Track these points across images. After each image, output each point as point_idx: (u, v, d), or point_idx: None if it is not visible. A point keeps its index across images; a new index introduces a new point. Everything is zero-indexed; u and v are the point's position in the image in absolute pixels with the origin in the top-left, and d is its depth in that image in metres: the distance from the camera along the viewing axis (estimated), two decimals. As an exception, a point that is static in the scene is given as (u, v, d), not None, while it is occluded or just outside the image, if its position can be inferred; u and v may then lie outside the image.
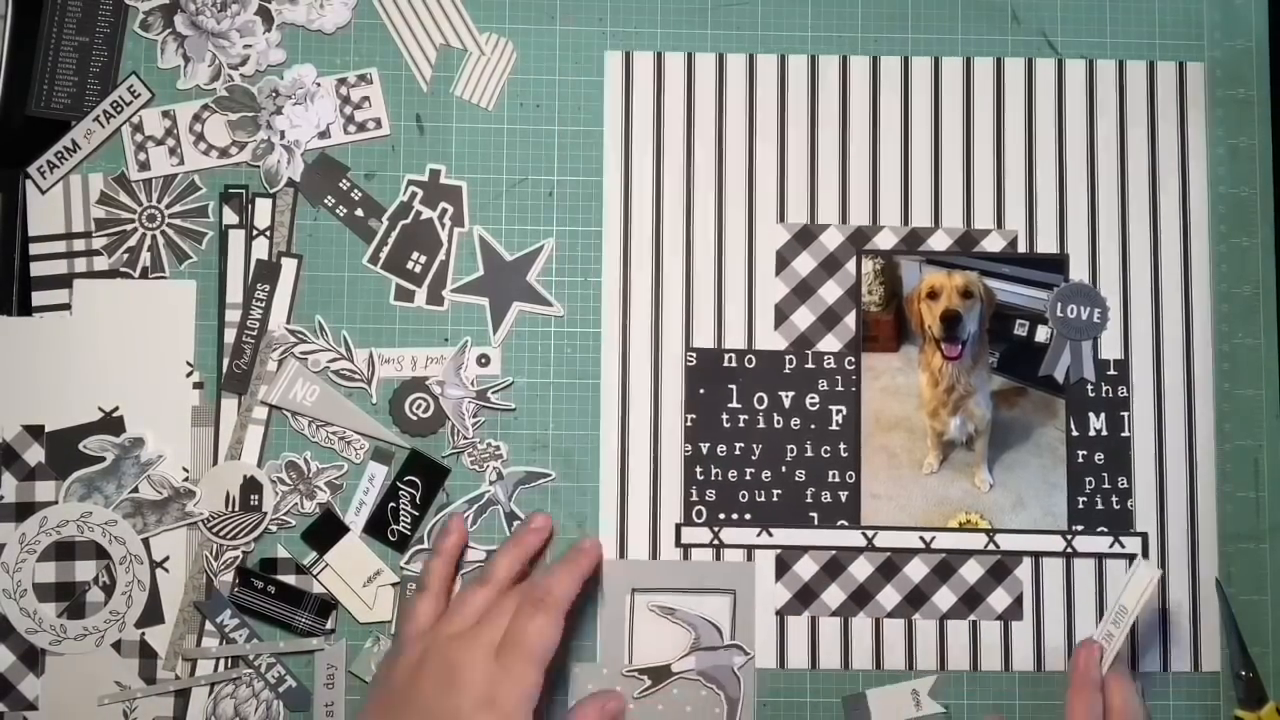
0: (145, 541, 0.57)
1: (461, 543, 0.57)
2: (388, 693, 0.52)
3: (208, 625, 0.57)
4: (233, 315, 0.58)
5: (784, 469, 0.58)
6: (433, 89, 0.60)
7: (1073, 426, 0.59)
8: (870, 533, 0.58)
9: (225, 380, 0.58)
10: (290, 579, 0.57)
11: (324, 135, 0.59)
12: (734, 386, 0.59)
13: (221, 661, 0.57)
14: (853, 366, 0.59)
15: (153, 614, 0.57)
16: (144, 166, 0.59)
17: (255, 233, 0.59)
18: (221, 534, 0.57)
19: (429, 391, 0.58)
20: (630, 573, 0.57)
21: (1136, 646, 0.58)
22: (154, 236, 0.58)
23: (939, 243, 0.59)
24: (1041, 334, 0.59)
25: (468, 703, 0.50)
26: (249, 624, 0.57)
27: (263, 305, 0.58)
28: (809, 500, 0.58)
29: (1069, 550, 0.58)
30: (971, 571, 0.58)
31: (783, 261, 0.59)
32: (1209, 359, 0.59)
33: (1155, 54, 0.60)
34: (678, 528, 0.58)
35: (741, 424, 0.59)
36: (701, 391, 0.59)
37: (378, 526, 0.58)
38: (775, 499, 0.58)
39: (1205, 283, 0.59)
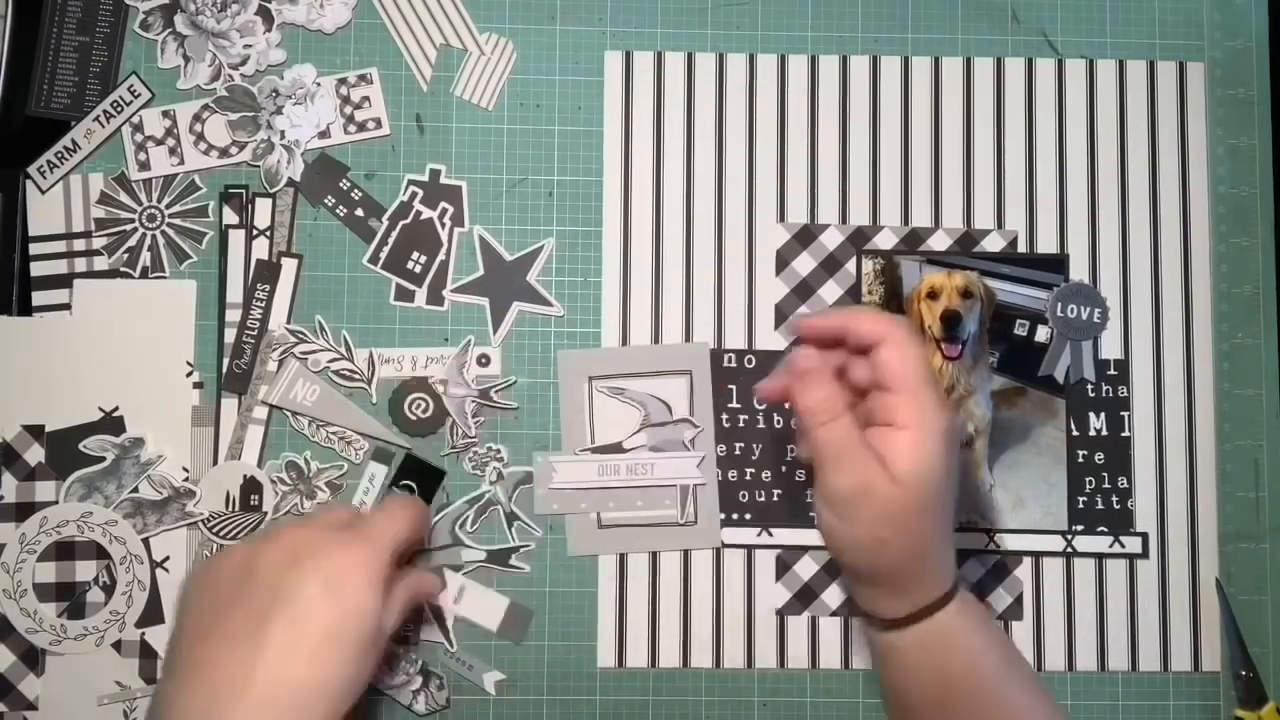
0: (145, 541, 0.57)
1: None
2: (190, 604, 0.48)
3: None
4: (233, 315, 0.58)
5: (784, 469, 0.58)
6: (433, 89, 0.60)
7: (1073, 426, 0.59)
8: (870, 533, 0.58)
9: (225, 380, 0.58)
10: (290, 579, 0.57)
11: (324, 135, 0.59)
12: (734, 386, 0.59)
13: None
14: (853, 366, 0.59)
15: (153, 614, 0.57)
16: (144, 166, 0.59)
17: (255, 233, 0.59)
18: (222, 534, 0.57)
19: (429, 391, 0.58)
20: (587, 361, 0.58)
21: (1137, 646, 0.58)
22: (154, 236, 0.58)
23: (939, 243, 0.59)
24: (1041, 334, 0.59)
25: (275, 568, 0.47)
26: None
27: (263, 305, 0.58)
28: (809, 500, 0.58)
29: (1069, 550, 0.58)
30: (971, 571, 0.58)
31: (783, 261, 0.59)
32: (1209, 359, 0.59)
33: (1155, 54, 0.60)
34: (678, 528, 0.58)
35: (741, 424, 0.59)
36: (701, 391, 0.59)
37: (378, 526, 0.58)
38: (775, 499, 0.58)
39: (1205, 283, 0.59)
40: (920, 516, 0.47)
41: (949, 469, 0.48)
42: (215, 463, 0.57)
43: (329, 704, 0.45)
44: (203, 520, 0.57)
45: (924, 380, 0.47)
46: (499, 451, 0.58)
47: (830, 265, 0.59)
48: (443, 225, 0.59)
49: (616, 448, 0.58)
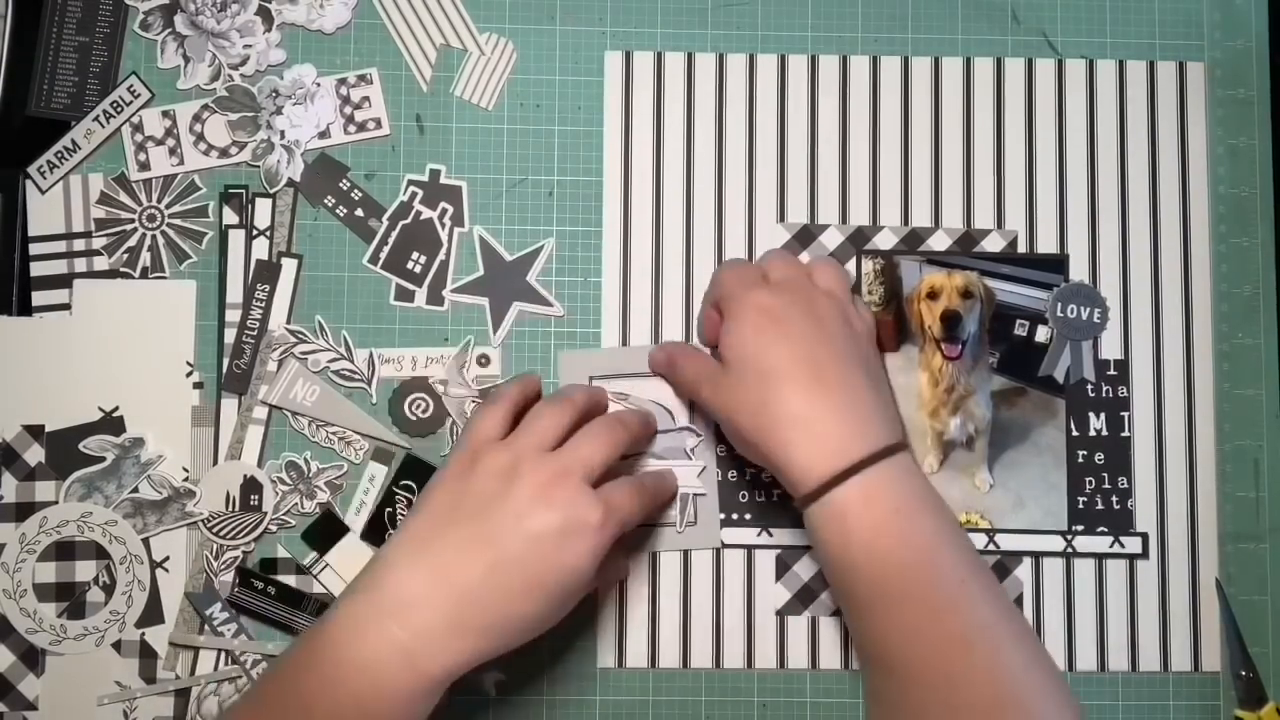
0: (145, 541, 0.57)
1: (536, 391, 0.56)
2: (441, 490, 0.50)
3: (218, 626, 0.57)
4: (233, 315, 0.58)
5: (784, 469, 0.58)
6: (433, 89, 0.60)
7: (1073, 426, 0.59)
8: (870, 533, 0.58)
9: (225, 380, 0.58)
10: (290, 579, 0.57)
11: (324, 135, 0.59)
12: (734, 386, 0.59)
13: (221, 661, 0.57)
14: (853, 366, 0.59)
15: (153, 614, 0.57)
16: (144, 166, 0.59)
17: (255, 233, 0.59)
18: (221, 534, 0.57)
19: (429, 391, 0.58)
20: (588, 361, 0.58)
21: (1137, 646, 0.58)
22: (154, 236, 0.58)
23: (939, 243, 0.59)
24: (1041, 334, 0.59)
25: (525, 495, 0.48)
26: (240, 621, 0.57)
27: (263, 305, 0.58)
28: (809, 500, 0.58)
29: (1069, 550, 0.58)
30: (971, 571, 0.58)
31: (783, 261, 0.59)
32: (1209, 359, 0.59)
33: (1155, 54, 0.60)
34: (678, 528, 0.58)
35: (741, 424, 0.59)
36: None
37: (376, 531, 0.58)
38: (775, 499, 0.58)
39: (1205, 283, 0.59)
40: (744, 389, 0.51)
41: (760, 342, 0.51)
42: (215, 463, 0.57)
43: (515, 638, 0.48)
44: (203, 520, 0.57)
45: (738, 287, 0.53)
46: (499, 451, 0.58)
47: (830, 265, 0.59)
48: (443, 225, 0.59)
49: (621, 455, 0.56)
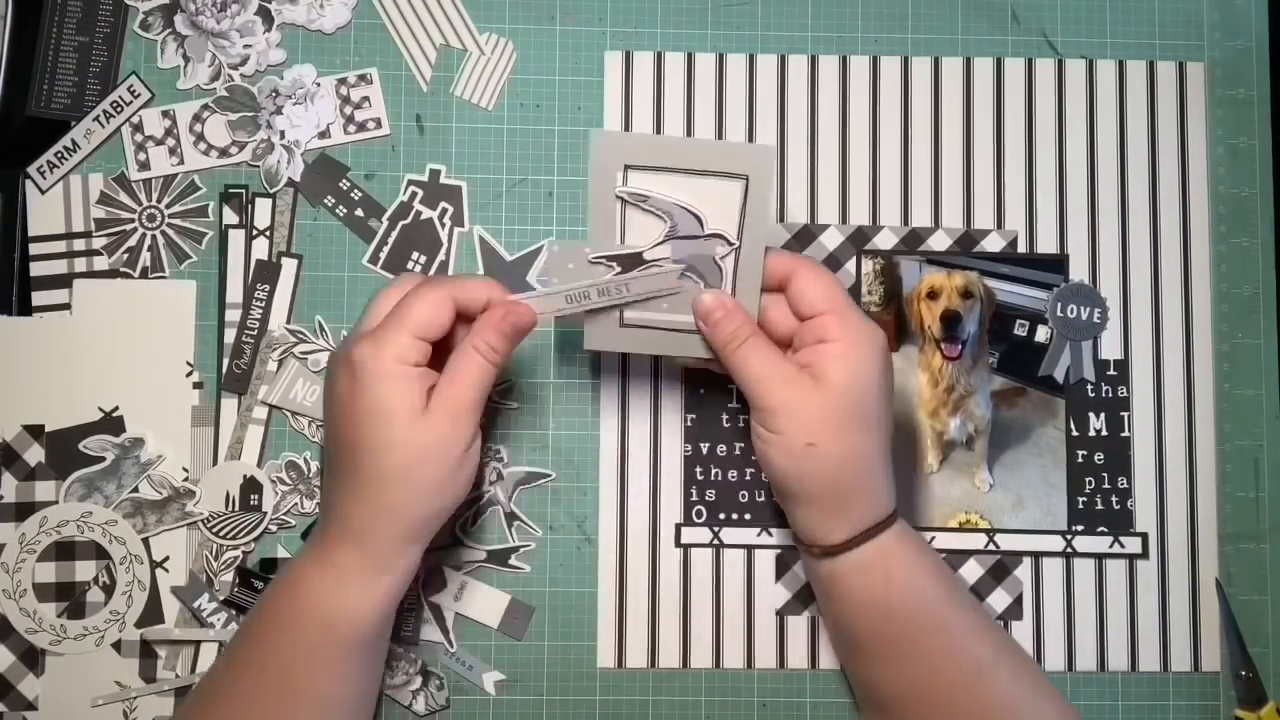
0: (145, 541, 0.57)
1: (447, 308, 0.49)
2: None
3: (207, 616, 0.57)
4: (233, 315, 0.58)
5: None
6: (433, 89, 0.60)
7: (1073, 426, 0.59)
8: (870, 533, 0.58)
9: (225, 380, 0.58)
10: (290, 579, 0.57)
11: (324, 135, 0.59)
12: (734, 386, 0.58)
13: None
14: (853, 366, 0.59)
15: (153, 614, 0.57)
16: (144, 166, 0.59)
17: (255, 233, 0.59)
18: (221, 534, 0.57)
19: (429, 391, 0.58)
20: (627, 146, 0.48)
21: (1136, 646, 0.58)
22: (154, 236, 0.58)
23: (939, 243, 0.59)
24: (1041, 334, 0.59)
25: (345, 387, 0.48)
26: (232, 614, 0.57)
27: (263, 305, 0.58)
28: (809, 500, 0.58)
29: (1069, 550, 0.58)
30: (971, 571, 0.58)
31: (783, 261, 0.59)
32: (1209, 359, 0.59)
33: (1155, 54, 0.60)
34: (678, 528, 0.58)
35: (741, 424, 0.59)
36: (701, 391, 0.59)
37: (378, 526, 0.57)
38: (775, 499, 0.58)
39: (1205, 283, 0.59)
40: (852, 423, 0.48)
41: (881, 382, 0.49)
42: (215, 463, 0.57)
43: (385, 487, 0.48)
44: (202, 520, 0.57)
45: (847, 302, 0.49)
46: (499, 452, 0.58)
47: (830, 265, 0.59)
48: (443, 225, 0.59)
49: (636, 259, 0.50)
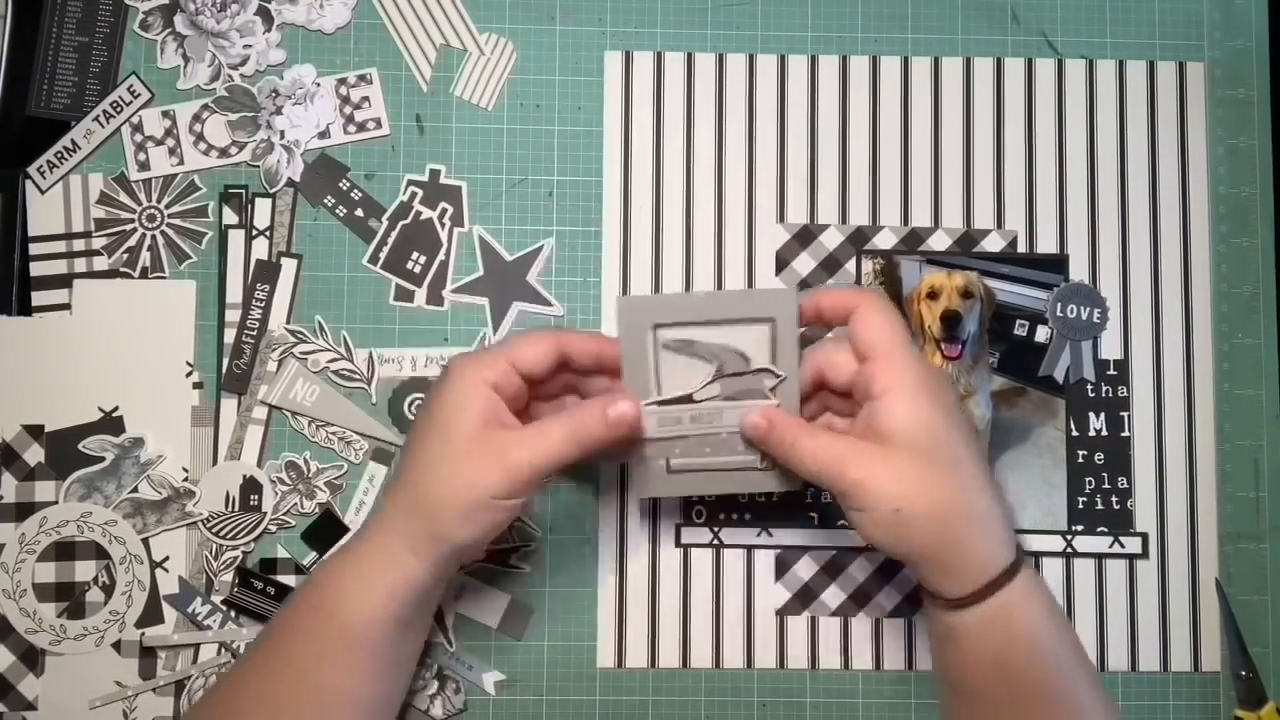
0: (145, 541, 0.57)
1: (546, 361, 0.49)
2: None
3: (204, 620, 0.57)
4: (233, 315, 0.58)
5: (784, 469, 0.58)
6: (433, 89, 0.60)
7: (1073, 426, 0.59)
8: (870, 533, 0.58)
9: (225, 380, 0.58)
10: (290, 579, 0.57)
11: (324, 135, 0.59)
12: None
13: (221, 656, 0.57)
14: (853, 366, 0.59)
15: (153, 614, 0.57)
16: (144, 166, 0.59)
17: (255, 233, 0.59)
18: (221, 534, 0.57)
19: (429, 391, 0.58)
20: (651, 308, 0.49)
21: (1136, 646, 0.58)
22: (154, 236, 0.58)
23: (939, 243, 0.59)
24: (1041, 334, 0.59)
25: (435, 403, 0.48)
26: (230, 616, 0.57)
27: (263, 305, 0.58)
28: (809, 500, 0.58)
29: (1069, 550, 0.58)
30: (971, 571, 0.58)
31: (782, 262, 0.59)
32: (1209, 359, 0.59)
33: (1155, 54, 0.60)
34: (678, 528, 0.58)
35: (741, 424, 0.59)
36: (701, 391, 0.59)
37: (378, 526, 0.57)
38: (775, 499, 0.58)
39: (1205, 283, 0.59)
40: (930, 475, 0.45)
41: (947, 422, 0.46)
42: (215, 463, 0.57)
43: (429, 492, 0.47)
44: (202, 520, 0.57)
45: (897, 343, 0.47)
46: (499, 451, 0.58)
47: (830, 265, 0.59)
48: (443, 225, 0.59)
49: (687, 399, 0.50)
